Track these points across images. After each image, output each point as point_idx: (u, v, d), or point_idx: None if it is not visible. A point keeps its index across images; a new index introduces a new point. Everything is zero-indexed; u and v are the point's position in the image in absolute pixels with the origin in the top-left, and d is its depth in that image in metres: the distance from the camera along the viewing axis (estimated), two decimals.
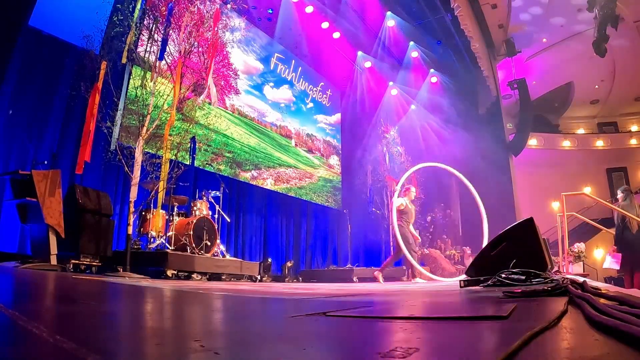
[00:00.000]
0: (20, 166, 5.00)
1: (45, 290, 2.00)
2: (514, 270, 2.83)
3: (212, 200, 6.74)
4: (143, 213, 5.70)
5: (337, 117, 13.71)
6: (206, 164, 8.47)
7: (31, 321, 0.81)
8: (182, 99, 5.79)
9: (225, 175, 8.69)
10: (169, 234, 5.80)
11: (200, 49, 5.97)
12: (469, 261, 9.39)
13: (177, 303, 1.89)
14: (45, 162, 4.87)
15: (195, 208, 6.29)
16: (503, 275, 2.79)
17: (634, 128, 18.91)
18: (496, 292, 2.21)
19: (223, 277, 5.91)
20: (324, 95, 13.13)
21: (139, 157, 5.25)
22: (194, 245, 5.78)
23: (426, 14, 11.15)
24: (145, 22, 5.75)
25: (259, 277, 6.67)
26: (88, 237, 4.54)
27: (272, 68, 11.06)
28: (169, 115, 5.46)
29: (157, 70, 5.63)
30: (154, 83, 5.53)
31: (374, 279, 6.86)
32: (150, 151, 5.71)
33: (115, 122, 5.66)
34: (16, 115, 5.47)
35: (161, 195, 5.54)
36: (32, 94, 5.71)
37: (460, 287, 3.19)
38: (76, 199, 4.52)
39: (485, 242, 6.69)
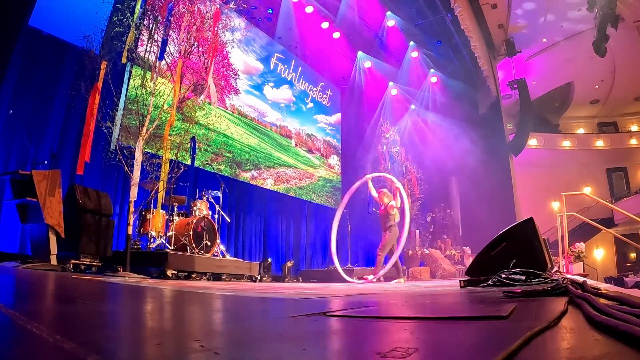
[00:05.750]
0: (20, 166, 5.01)
1: (45, 290, 2.00)
2: (514, 270, 2.83)
3: (212, 200, 6.74)
4: (143, 213, 5.70)
5: (337, 117, 13.71)
6: (206, 164, 8.47)
7: (31, 321, 0.81)
8: (182, 99, 5.78)
9: (225, 175, 8.69)
10: (169, 234, 5.80)
11: (200, 49, 5.96)
12: (469, 261, 9.39)
13: (177, 303, 1.89)
14: (45, 162, 4.86)
15: (195, 208, 6.29)
16: (503, 275, 2.79)
17: (634, 128, 18.91)
18: (496, 292, 2.21)
19: (223, 277, 5.91)
20: (324, 95, 13.13)
21: (139, 157, 5.25)
22: (194, 245, 5.78)
23: (426, 14, 11.16)
24: (145, 22, 5.74)
25: (259, 277, 6.67)
26: (88, 237, 4.53)
27: (272, 68, 11.06)
28: (169, 115, 5.46)
29: (157, 70, 5.62)
30: (154, 83, 5.52)
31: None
32: (150, 151, 5.70)
33: (115, 122, 5.65)
34: (16, 115, 5.47)
35: (161, 195, 5.53)
36: (32, 94, 5.71)
37: (460, 287, 3.19)
38: (76, 199, 4.52)
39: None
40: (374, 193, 7.26)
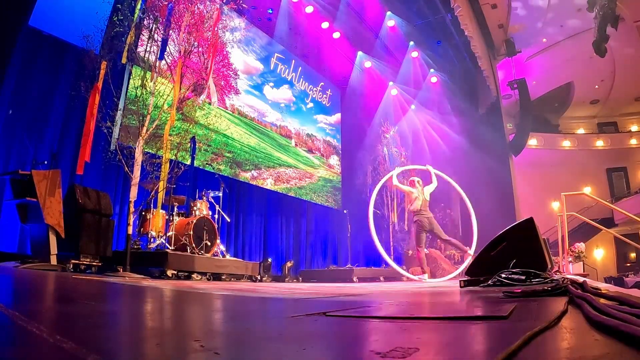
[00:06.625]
0: (20, 166, 5.00)
1: (45, 290, 2.00)
2: (514, 270, 2.83)
3: (212, 200, 6.74)
4: (143, 213, 5.70)
5: (337, 117, 13.71)
6: (206, 164, 8.46)
7: (31, 321, 0.81)
8: (182, 99, 5.78)
9: (225, 175, 8.68)
10: (169, 234, 5.80)
11: (200, 49, 5.96)
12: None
13: (177, 303, 1.89)
14: (45, 162, 4.86)
15: (195, 208, 6.29)
16: (503, 275, 2.79)
17: (634, 128, 18.90)
18: (496, 292, 2.21)
19: (223, 277, 5.91)
20: (324, 95, 13.13)
21: (139, 157, 5.25)
22: (194, 245, 5.78)
23: (426, 14, 11.16)
24: (145, 22, 5.74)
25: (259, 277, 6.67)
26: (88, 237, 4.53)
27: (272, 68, 11.06)
28: (169, 115, 5.46)
29: (157, 70, 5.62)
30: (154, 83, 5.52)
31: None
32: (150, 151, 5.70)
33: (115, 122, 5.66)
34: (16, 115, 5.46)
35: (161, 195, 5.53)
36: (32, 94, 5.71)
37: (460, 287, 3.19)
38: (76, 199, 4.51)
39: (474, 242, 7.08)
40: (405, 188, 7.42)
